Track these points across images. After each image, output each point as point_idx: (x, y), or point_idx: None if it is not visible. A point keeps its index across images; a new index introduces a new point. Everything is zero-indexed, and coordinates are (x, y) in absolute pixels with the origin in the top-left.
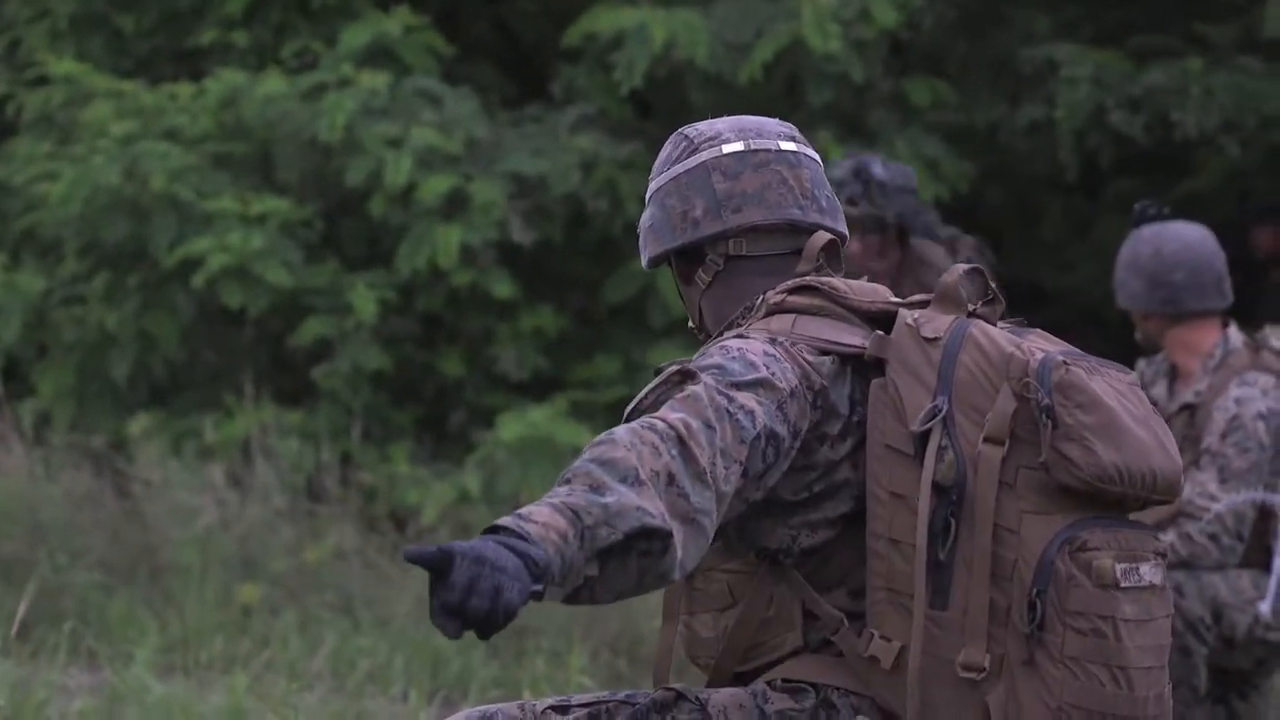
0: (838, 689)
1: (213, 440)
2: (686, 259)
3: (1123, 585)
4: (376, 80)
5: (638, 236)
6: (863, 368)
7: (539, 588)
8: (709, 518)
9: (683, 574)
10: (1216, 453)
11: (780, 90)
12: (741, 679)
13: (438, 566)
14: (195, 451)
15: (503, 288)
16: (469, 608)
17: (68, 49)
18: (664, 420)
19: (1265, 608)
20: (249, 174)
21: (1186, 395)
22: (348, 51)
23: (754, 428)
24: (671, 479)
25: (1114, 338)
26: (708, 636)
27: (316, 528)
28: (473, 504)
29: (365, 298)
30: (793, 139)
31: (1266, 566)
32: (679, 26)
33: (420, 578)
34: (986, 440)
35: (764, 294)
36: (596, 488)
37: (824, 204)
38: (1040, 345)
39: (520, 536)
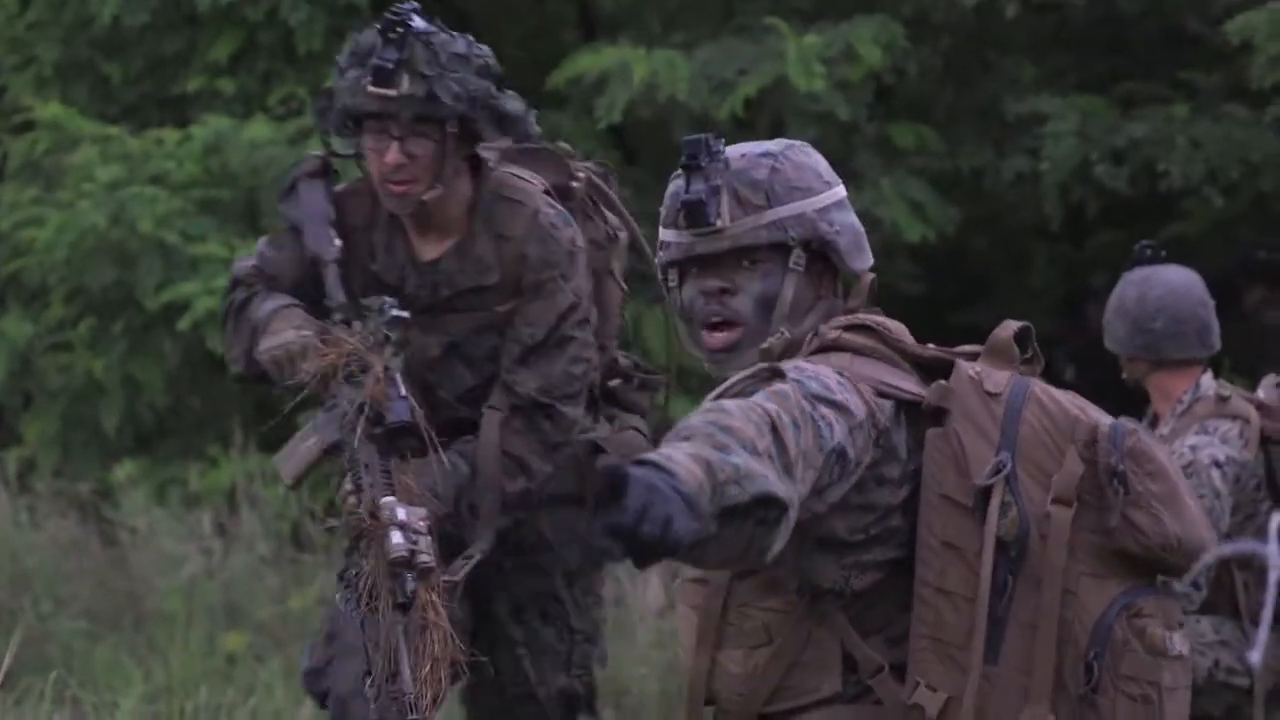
0: None
1: (198, 488)
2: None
3: (1169, 654)
4: None
5: (819, 238)
6: (916, 416)
7: (699, 526)
8: (793, 510)
9: (772, 559)
10: None
11: (765, 129)
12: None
13: (613, 486)
14: (180, 499)
15: None
16: (641, 533)
17: (53, 95)
18: (762, 406)
19: (1255, 657)
20: (235, 220)
21: None
22: None
23: (831, 439)
24: (771, 461)
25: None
26: (735, 672)
27: (301, 575)
28: None
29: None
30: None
31: (1231, 611)
32: (660, 65)
33: None
34: (1055, 501)
35: (816, 328)
36: (722, 448)
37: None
38: (1089, 407)
39: (670, 474)
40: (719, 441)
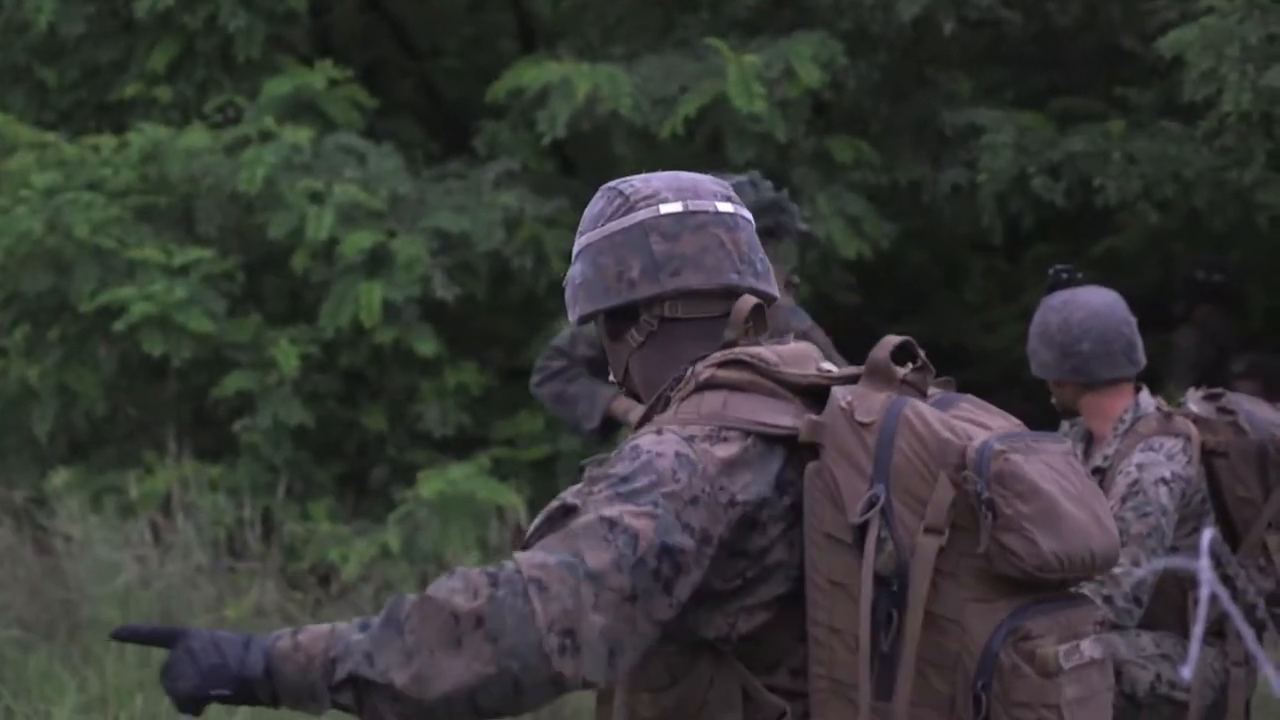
0: None
1: (134, 495)
2: (618, 318)
3: (1065, 669)
4: (299, 135)
5: (564, 290)
6: (796, 447)
7: (223, 693)
8: (521, 659)
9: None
10: (1116, 517)
11: (704, 146)
12: None
13: (163, 643)
14: (116, 507)
15: (425, 346)
16: (167, 689)
17: None
18: (515, 565)
19: (1186, 672)
20: (171, 227)
21: (1097, 460)
22: (269, 103)
23: (634, 554)
24: (480, 621)
25: (1034, 398)
26: (647, 716)
27: (237, 584)
28: (394, 561)
29: (288, 353)
30: (729, 199)
31: (1181, 629)
32: (602, 79)
33: None
34: (926, 531)
35: (692, 366)
36: (366, 624)
37: (758, 267)
38: (974, 420)
39: (265, 648)
40: (381, 616)
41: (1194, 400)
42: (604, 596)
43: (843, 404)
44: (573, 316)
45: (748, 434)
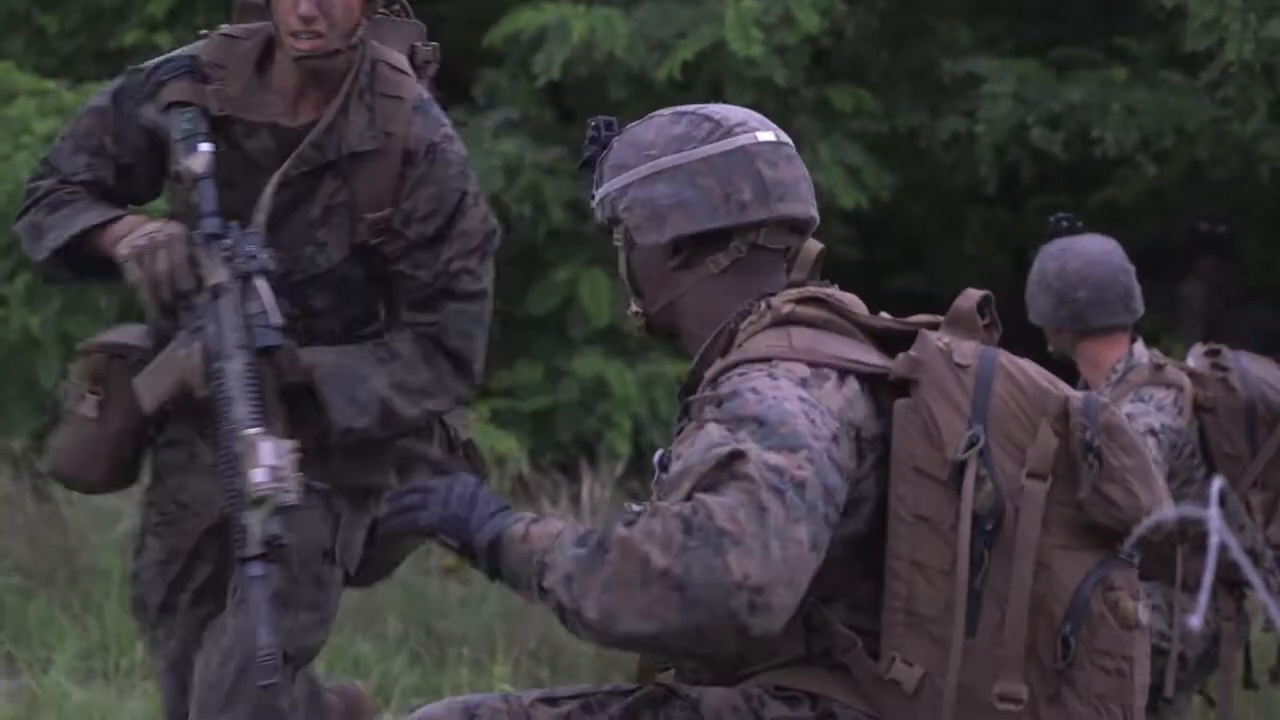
0: (840, 703)
1: None
2: (704, 242)
3: (1140, 625)
4: None
5: (615, 217)
6: (877, 386)
7: (450, 542)
8: (709, 611)
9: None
10: None
11: (703, 92)
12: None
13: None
14: None
15: None
16: (397, 514)
17: None
18: (709, 512)
19: (1195, 621)
20: None
21: None
22: None
23: (804, 503)
24: (667, 574)
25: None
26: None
27: None
28: None
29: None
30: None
31: (1166, 579)
32: (599, 22)
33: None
34: (1031, 475)
35: (765, 300)
36: (584, 539)
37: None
38: (1053, 378)
39: (502, 525)
40: (584, 537)
41: (1194, 355)
42: (790, 549)
43: (940, 345)
44: (659, 237)
45: (843, 371)
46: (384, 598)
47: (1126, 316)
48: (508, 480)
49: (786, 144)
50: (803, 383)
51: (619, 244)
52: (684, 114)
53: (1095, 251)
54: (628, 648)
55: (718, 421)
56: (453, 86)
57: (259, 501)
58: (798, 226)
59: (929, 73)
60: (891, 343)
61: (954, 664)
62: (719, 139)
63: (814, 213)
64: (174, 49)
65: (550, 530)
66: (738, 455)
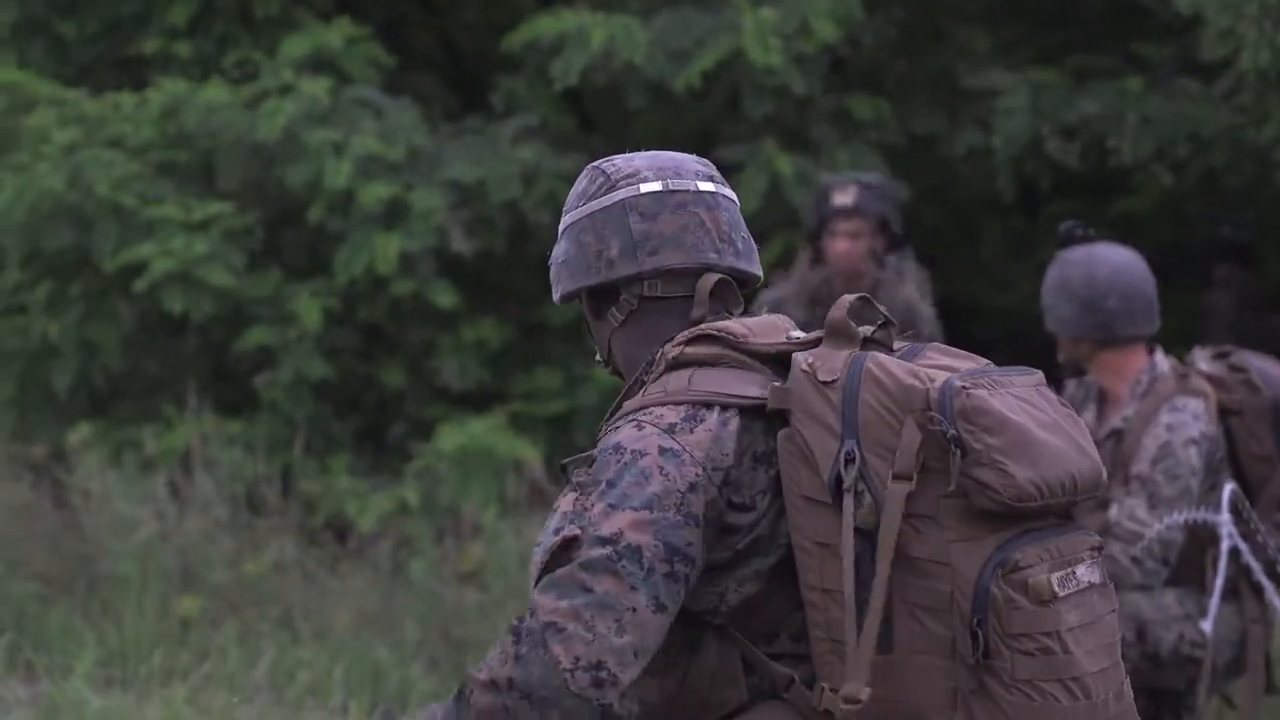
0: None
1: (153, 450)
2: (599, 297)
3: (1060, 595)
4: (318, 87)
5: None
6: (768, 417)
7: None
8: (560, 706)
9: None
10: (1147, 479)
11: (721, 101)
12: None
13: None
14: (135, 462)
15: (444, 298)
16: None
17: (9, 56)
18: (533, 613)
19: (1207, 626)
20: (192, 182)
21: (1114, 421)
22: (288, 60)
23: (641, 570)
24: (512, 684)
25: (1046, 357)
26: (653, 702)
27: (256, 540)
28: (413, 516)
29: (310, 306)
30: (711, 179)
31: (1199, 585)
32: (617, 30)
33: (358, 590)
34: (895, 478)
35: (662, 347)
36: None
37: (740, 246)
38: (939, 366)
39: None
40: None
41: (1203, 359)
42: (625, 618)
43: (804, 366)
44: (556, 295)
45: (721, 407)
46: (402, 604)
47: (1149, 326)
48: (525, 486)
49: (681, 191)
50: (670, 429)
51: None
52: (591, 169)
53: (1121, 261)
54: None
55: (577, 487)
56: (471, 93)
57: None
58: (695, 273)
59: (946, 80)
60: (788, 367)
61: (859, 680)
62: (603, 194)
63: (710, 259)
64: (193, 57)
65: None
66: (570, 541)
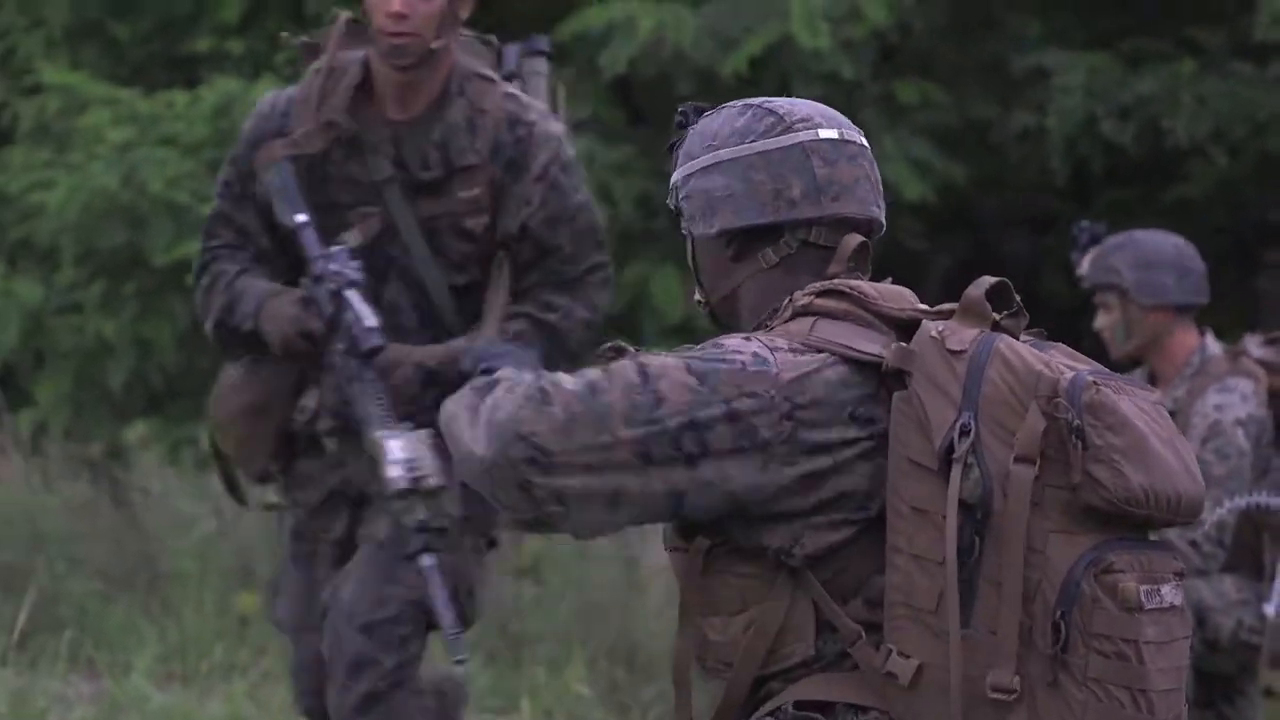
0: (851, 706)
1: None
2: (754, 237)
3: (1146, 608)
4: None
5: (678, 206)
6: (883, 376)
7: None
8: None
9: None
10: (1197, 458)
11: (770, 89)
12: (761, 685)
13: None
14: (193, 459)
15: None
16: None
17: (63, 57)
18: (540, 380)
19: (1271, 609)
20: None
21: (1165, 402)
22: None
23: (649, 414)
24: (476, 411)
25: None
26: (716, 640)
27: None
28: None
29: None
30: (861, 132)
31: (1254, 571)
32: (666, 18)
33: None
34: (1018, 460)
35: (791, 295)
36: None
37: (884, 203)
38: (1066, 363)
39: None
40: None
41: (1254, 344)
42: (602, 438)
43: (934, 333)
44: (708, 229)
45: (831, 354)
46: None
47: (1199, 297)
48: None
49: (852, 142)
50: (772, 348)
51: (685, 232)
52: (750, 106)
53: (1173, 237)
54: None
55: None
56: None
57: (403, 496)
58: (857, 226)
59: (998, 66)
60: (913, 333)
61: (955, 657)
62: (778, 134)
63: (874, 213)
64: (245, 55)
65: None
66: (621, 351)
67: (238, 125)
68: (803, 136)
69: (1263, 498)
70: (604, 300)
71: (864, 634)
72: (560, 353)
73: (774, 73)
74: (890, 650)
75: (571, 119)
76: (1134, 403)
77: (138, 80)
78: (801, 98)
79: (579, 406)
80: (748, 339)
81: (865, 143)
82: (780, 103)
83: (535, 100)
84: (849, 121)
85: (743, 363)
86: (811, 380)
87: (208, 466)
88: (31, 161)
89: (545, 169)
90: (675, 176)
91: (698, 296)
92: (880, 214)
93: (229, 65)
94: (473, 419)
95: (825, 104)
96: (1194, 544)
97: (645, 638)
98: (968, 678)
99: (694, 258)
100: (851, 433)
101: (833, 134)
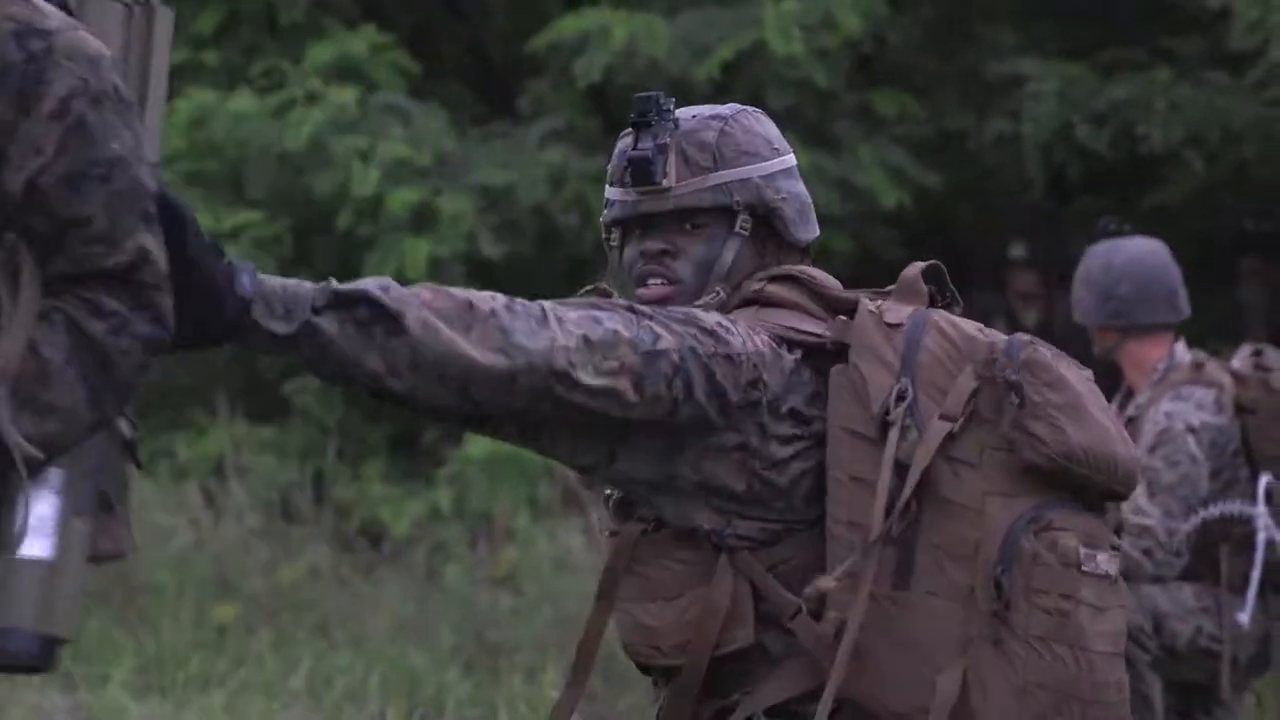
0: (810, 693)
1: (186, 459)
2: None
3: (1084, 568)
4: (345, 95)
5: (744, 202)
6: (825, 362)
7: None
8: (528, 355)
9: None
10: (1146, 466)
11: (743, 95)
12: (716, 666)
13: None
14: (170, 471)
15: None
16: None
17: None
18: (541, 305)
19: (1243, 618)
20: (221, 191)
21: (1130, 409)
22: (314, 68)
23: (654, 345)
24: (492, 314)
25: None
26: (650, 625)
27: (290, 547)
28: (445, 521)
29: None
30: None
31: (1211, 580)
32: (640, 27)
33: (393, 596)
34: (942, 417)
35: (742, 281)
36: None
37: None
38: (995, 333)
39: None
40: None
41: (1240, 356)
42: (610, 357)
43: (871, 308)
44: (807, 234)
45: (781, 340)
46: (436, 609)
47: (1170, 315)
48: (557, 490)
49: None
50: (733, 322)
51: (740, 231)
52: (756, 111)
53: (1140, 250)
54: (426, 378)
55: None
56: (497, 97)
57: None
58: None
59: (974, 74)
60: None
61: (859, 608)
62: (786, 150)
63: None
64: (220, 66)
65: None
66: (608, 294)
67: (213, 137)
68: (791, 160)
69: (1234, 506)
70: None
71: (802, 606)
72: (107, 383)
73: (747, 79)
74: (832, 615)
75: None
76: (1071, 369)
77: None
78: (775, 103)
79: (589, 325)
80: (706, 309)
81: None
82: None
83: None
84: None
85: (716, 321)
86: (775, 359)
87: (183, 478)
88: None
89: (66, 102)
90: (742, 173)
91: (716, 292)
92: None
93: (204, 77)
94: (467, 331)
95: (798, 110)
96: (1147, 552)
97: (620, 649)
98: (903, 640)
99: (728, 258)
100: (786, 429)
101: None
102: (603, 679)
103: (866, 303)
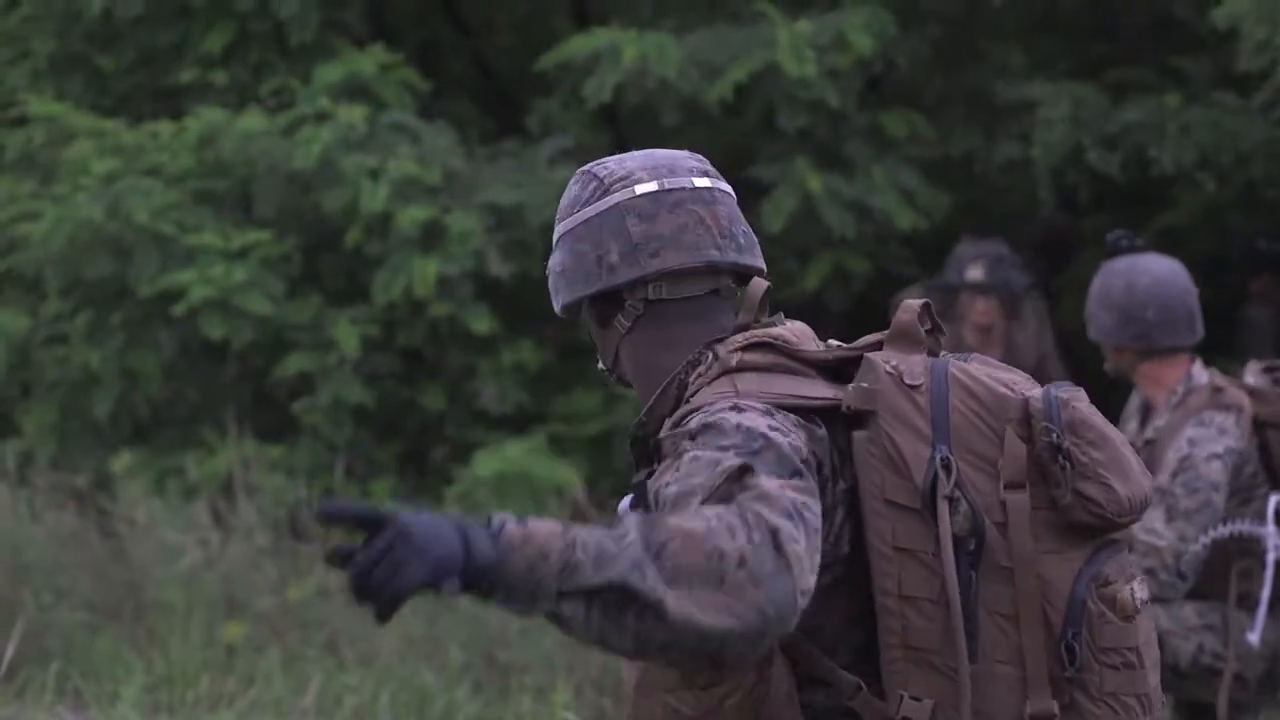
0: None
1: (195, 477)
2: (603, 303)
3: (1140, 611)
4: (354, 113)
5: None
6: (832, 421)
7: (455, 584)
8: (778, 607)
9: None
10: (1166, 491)
11: (755, 118)
12: None
13: (366, 527)
14: (178, 489)
15: (481, 323)
16: (368, 581)
17: (48, 88)
18: (757, 513)
19: (1254, 638)
20: (230, 210)
21: (1148, 431)
22: (323, 87)
23: (816, 520)
24: (743, 562)
25: (1087, 368)
26: (687, 714)
27: (300, 565)
28: None
29: (348, 332)
30: (706, 174)
31: (1220, 599)
32: (650, 47)
33: (403, 615)
34: (1009, 487)
35: (710, 350)
36: (622, 536)
37: (741, 240)
38: (1012, 379)
39: (492, 534)
40: (632, 531)
41: (1252, 372)
42: (804, 562)
43: (889, 369)
44: (557, 306)
45: (793, 409)
46: (446, 628)
47: (1190, 337)
48: (566, 509)
49: (677, 189)
50: (768, 413)
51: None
52: (582, 173)
53: (1162, 271)
54: (685, 652)
55: (705, 447)
56: (506, 116)
57: None
58: (699, 272)
59: (983, 96)
60: (843, 371)
61: (965, 693)
62: (598, 199)
63: (712, 256)
64: (229, 86)
65: (550, 529)
66: (747, 470)
67: (222, 156)
68: (618, 197)
69: (1245, 526)
70: None
71: (861, 684)
72: None
73: (759, 101)
74: (901, 695)
75: None
76: (1098, 415)
77: (122, 111)
78: (784, 126)
79: (801, 535)
80: (738, 410)
81: (702, 184)
82: (609, 163)
83: None
84: (689, 165)
85: (782, 436)
86: (812, 438)
87: (192, 496)
88: (17, 193)
89: None
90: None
91: (600, 365)
92: (729, 254)
93: (213, 96)
94: (720, 584)
95: (810, 132)
96: (1150, 572)
97: None
98: (978, 712)
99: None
100: (828, 478)
101: (651, 187)
102: (611, 698)
103: (877, 362)
